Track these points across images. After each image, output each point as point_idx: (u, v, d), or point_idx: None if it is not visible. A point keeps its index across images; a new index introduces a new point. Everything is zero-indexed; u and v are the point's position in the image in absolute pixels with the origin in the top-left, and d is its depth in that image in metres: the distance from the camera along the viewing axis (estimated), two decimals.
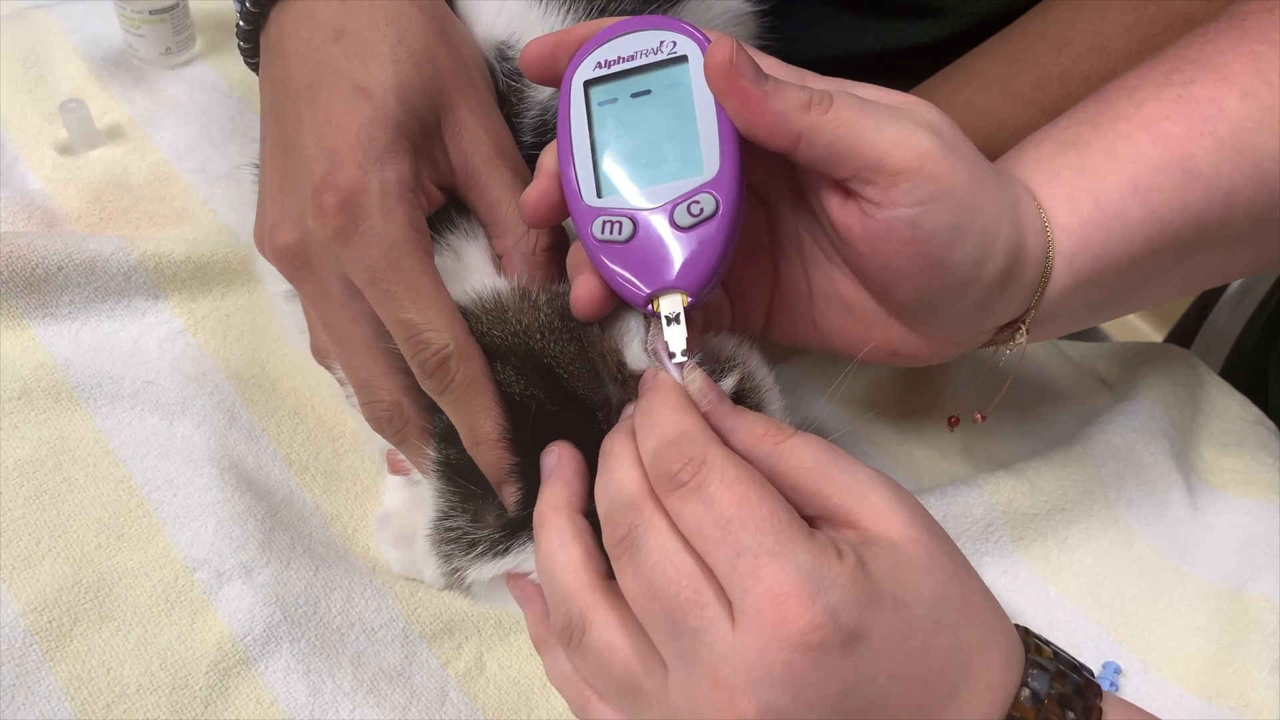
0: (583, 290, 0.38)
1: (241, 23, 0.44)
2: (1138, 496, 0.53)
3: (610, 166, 0.38)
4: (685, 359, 0.36)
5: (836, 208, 0.38)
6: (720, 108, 0.36)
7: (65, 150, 0.59)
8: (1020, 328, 0.43)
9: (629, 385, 0.38)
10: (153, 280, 0.53)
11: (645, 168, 0.37)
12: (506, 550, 0.40)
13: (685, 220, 0.36)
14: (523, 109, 0.44)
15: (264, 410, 0.51)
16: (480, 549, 0.40)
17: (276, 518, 0.47)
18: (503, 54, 0.45)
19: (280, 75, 0.42)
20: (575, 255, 0.39)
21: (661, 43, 0.37)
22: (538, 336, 0.40)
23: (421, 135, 0.40)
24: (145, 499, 0.47)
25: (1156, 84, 0.44)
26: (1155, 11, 0.56)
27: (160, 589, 0.44)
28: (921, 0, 0.63)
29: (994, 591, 0.35)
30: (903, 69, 0.63)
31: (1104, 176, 0.42)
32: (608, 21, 0.39)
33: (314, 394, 0.51)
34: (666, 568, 0.32)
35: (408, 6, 0.41)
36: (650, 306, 0.36)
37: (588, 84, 0.38)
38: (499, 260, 0.43)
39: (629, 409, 0.37)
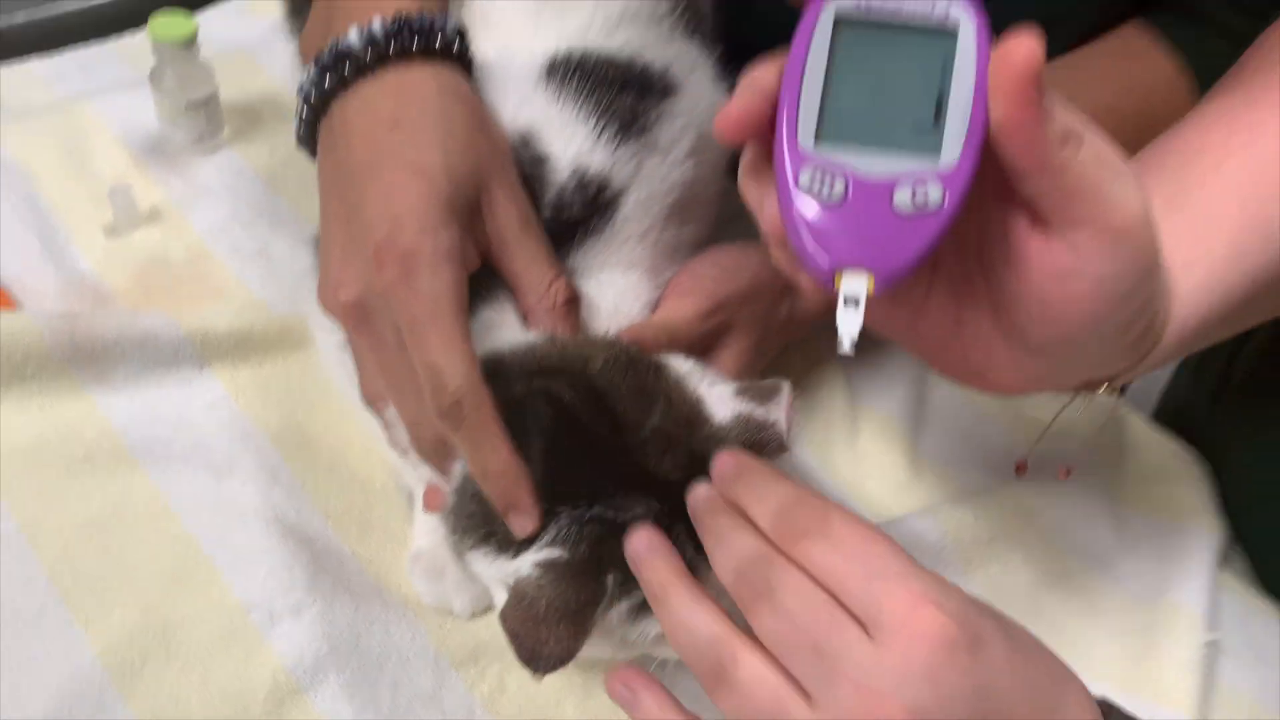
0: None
1: (305, 111, 0.49)
2: (1069, 523, 0.60)
3: (839, 114, 0.34)
4: (851, 349, 0.34)
5: (1024, 233, 0.35)
6: (981, 98, 0.32)
7: (111, 232, 0.64)
8: (1104, 383, 0.45)
9: (703, 437, 0.42)
10: (199, 352, 0.58)
11: (878, 129, 0.33)
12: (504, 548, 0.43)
13: (905, 204, 0.33)
14: (542, 190, 0.50)
15: (302, 467, 0.56)
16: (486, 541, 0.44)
17: (319, 563, 0.52)
18: (525, 142, 0.51)
19: (343, 157, 0.47)
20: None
21: (935, 5, 0.34)
22: (600, 363, 0.44)
23: (466, 210, 0.46)
24: (202, 550, 0.52)
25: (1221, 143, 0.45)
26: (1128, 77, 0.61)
27: (219, 629, 0.49)
28: None
29: None
30: None
31: (1209, 242, 0.43)
32: None
33: (346, 449, 0.57)
34: (806, 600, 0.36)
35: (452, 102, 0.47)
36: (830, 281, 0.33)
37: (840, 18, 0.34)
38: (524, 318, 0.49)
39: (696, 489, 0.41)
